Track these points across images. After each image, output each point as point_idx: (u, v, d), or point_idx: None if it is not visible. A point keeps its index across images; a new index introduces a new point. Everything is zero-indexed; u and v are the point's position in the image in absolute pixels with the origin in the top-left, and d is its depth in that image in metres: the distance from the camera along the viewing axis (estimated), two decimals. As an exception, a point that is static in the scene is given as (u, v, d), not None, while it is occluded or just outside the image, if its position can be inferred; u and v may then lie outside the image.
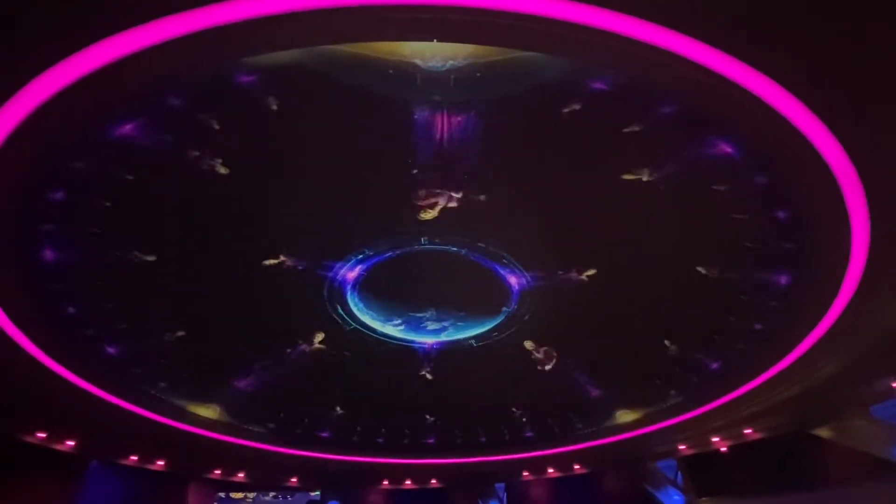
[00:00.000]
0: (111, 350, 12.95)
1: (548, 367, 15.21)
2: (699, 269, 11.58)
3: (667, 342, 14.22)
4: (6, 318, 10.53)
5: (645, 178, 9.68)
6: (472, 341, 15.10)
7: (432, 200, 10.51)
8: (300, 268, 11.95)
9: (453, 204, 10.57)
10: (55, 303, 10.91)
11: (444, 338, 15.13)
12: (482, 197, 10.47)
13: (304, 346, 14.62)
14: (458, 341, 15.18)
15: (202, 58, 6.83)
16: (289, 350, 14.63)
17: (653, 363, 15.20)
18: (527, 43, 6.99)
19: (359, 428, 19.59)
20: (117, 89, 7.03)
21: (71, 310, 11.25)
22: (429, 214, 10.64)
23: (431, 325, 14.62)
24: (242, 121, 8.58)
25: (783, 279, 11.16)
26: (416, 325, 14.68)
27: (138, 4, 5.83)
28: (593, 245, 11.77)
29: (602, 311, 13.57)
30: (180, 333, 13.04)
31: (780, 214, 9.72)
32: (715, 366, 14.65)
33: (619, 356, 15.30)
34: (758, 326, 12.75)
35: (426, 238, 11.74)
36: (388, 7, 6.15)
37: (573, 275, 12.48)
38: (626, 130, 8.73)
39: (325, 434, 19.53)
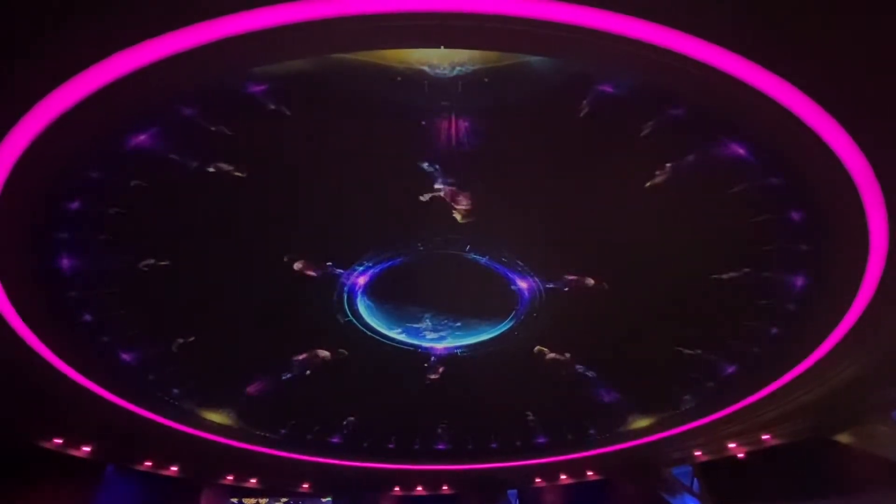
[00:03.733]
0: (126, 357, 13.13)
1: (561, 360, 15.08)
2: (714, 272, 11.42)
3: (681, 346, 14.03)
4: (24, 325, 10.75)
5: (658, 181, 9.58)
6: (459, 350, 15.02)
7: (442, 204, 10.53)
8: (311, 273, 12.03)
9: (463, 208, 10.57)
10: (72, 310, 11.10)
11: (450, 344, 15.09)
12: (491, 202, 10.47)
13: (313, 352, 14.71)
14: (466, 347, 15.14)
15: (215, 68, 6.94)
16: (299, 356, 14.71)
17: (667, 367, 14.99)
18: (534, 48, 6.98)
19: (370, 434, 19.59)
20: (133, 100, 7.18)
21: (87, 317, 11.44)
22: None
23: (430, 335, 14.61)
24: (254, 129, 8.69)
25: (800, 282, 10.95)
26: (416, 334, 14.67)
27: (151, 17, 5.95)
28: (605, 249, 11.64)
29: (615, 315, 13.41)
30: (192, 340, 13.19)
31: (796, 216, 9.55)
32: (731, 370, 14.40)
33: (632, 360, 15.11)
34: (774, 330, 12.52)
35: (432, 244, 11.74)
36: (396, 15, 6.20)
37: (585, 279, 12.39)
38: (637, 133, 8.66)
39: (336, 440, 19.56)
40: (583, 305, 13.10)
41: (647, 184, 9.62)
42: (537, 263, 12.32)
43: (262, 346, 14.35)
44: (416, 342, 14.94)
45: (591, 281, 12.35)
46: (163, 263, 10.85)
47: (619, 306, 13.03)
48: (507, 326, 14.33)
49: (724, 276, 11.41)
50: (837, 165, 7.85)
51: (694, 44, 6.40)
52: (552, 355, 15.01)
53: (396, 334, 14.54)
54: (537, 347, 14.88)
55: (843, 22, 5.88)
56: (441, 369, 15.75)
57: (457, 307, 14.10)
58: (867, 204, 8.38)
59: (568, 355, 15.00)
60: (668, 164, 9.34)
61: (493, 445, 20.70)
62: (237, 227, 10.77)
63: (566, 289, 12.66)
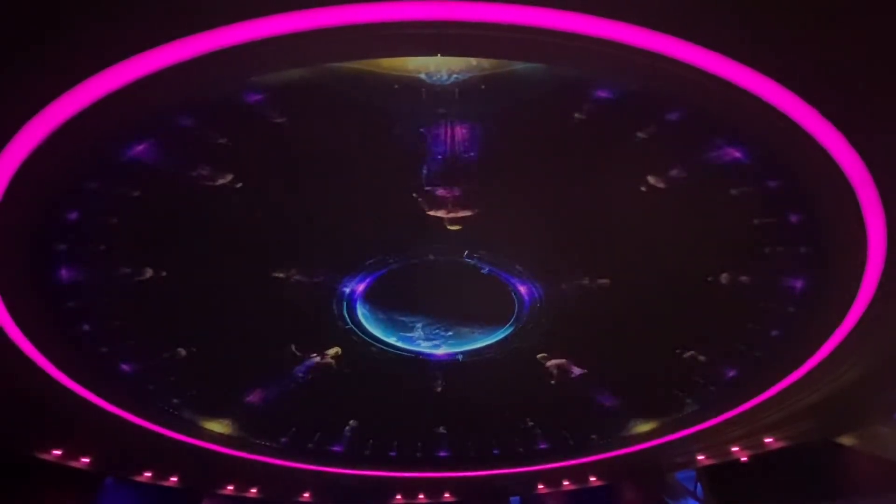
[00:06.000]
0: (125, 367, 13.07)
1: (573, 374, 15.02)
2: (714, 274, 11.40)
3: (682, 350, 13.99)
4: (22, 336, 10.70)
5: (656, 185, 9.60)
6: (458, 356, 14.96)
7: (440, 211, 10.54)
8: (309, 281, 12.02)
9: (462, 214, 10.58)
10: (70, 321, 11.07)
11: (448, 350, 15.03)
12: (490, 207, 10.48)
13: (314, 359, 14.65)
14: (465, 353, 15.09)
15: (212, 78, 6.97)
16: (299, 363, 14.65)
17: (669, 371, 14.94)
18: (530, 55, 7.03)
19: (371, 442, 19.47)
20: (130, 111, 7.20)
21: (85, 327, 11.40)
22: (454, 226, 10.66)
23: (424, 343, 14.55)
24: (252, 139, 8.72)
25: (800, 284, 10.94)
26: (411, 342, 14.63)
27: (149, 28, 5.99)
28: (605, 253, 11.65)
29: (615, 319, 13.39)
30: (192, 349, 13.16)
31: (794, 218, 9.57)
32: (733, 373, 14.34)
33: (634, 365, 15.05)
34: (775, 333, 12.48)
35: (431, 250, 11.74)
36: (392, 24, 6.24)
37: (585, 284, 12.36)
38: (634, 138, 8.70)
39: (337, 448, 19.44)
40: (583, 310, 13.08)
41: (645, 187, 9.63)
42: (535, 268, 12.32)
43: (262, 354, 14.29)
44: (414, 349, 14.89)
45: (590, 284, 12.32)
46: (162, 274, 10.82)
47: (620, 310, 13.01)
48: (506, 333, 14.30)
49: (725, 279, 11.40)
50: (834, 168, 7.87)
51: (689, 49, 6.44)
52: (553, 362, 14.93)
53: (394, 341, 14.51)
54: (540, 355, 14.80)
55: (839, 23, 5.90)
56: (441, 379, 15.67)
57: (452, 315, 14.07)
58: (864, 206, 8.40)
59: (569, 360, 14.95)
60: (667, 168, 9.37)
61: (496, 452, 20.57)
62: (236, 236, 10.76)
63: (565, 292, 12.63)
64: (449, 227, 10.72)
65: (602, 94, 7.92)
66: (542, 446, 20.11)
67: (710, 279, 11.46)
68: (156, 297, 11.41)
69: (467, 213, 10.49)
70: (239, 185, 9.43)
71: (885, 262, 9.35)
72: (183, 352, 13.12)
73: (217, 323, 12.87)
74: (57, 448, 16.59)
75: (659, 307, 12.78)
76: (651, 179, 9.57)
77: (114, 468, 19.71)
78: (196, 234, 10.54)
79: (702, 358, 14.05)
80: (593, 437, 19.30)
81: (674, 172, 9.39)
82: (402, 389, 16.51)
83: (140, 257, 10.59)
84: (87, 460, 17.69)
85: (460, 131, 8.79)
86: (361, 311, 13.51)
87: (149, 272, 10.73)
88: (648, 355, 14.47)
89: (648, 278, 11.99)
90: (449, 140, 8.91)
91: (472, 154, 9.21)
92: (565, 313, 13.34)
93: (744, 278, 11.29)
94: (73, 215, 8.99)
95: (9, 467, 16.71)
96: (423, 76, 7.71)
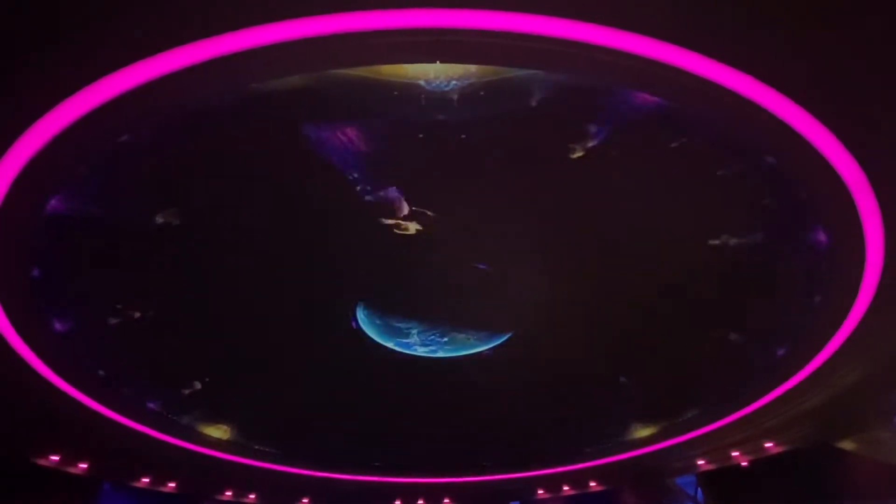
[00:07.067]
0: (126, 385, 13.17)
1: None
2: (713, 276, 11.39)
3: (683, 352, 13.97)
4: (21, 342, 10.67)
5: (650, 180, 9.60)
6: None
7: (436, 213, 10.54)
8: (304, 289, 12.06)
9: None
10: (70, 344, 11.21)
11: (447, 353, 15.01)
12: (488, 209, 10.50)
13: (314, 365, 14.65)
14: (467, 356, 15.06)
15: (212, 87, 6.99)
16: (299, 370, 14.63)
17: (669, 374, 14.90)
18: (528, 62, 7.07)
19: (371, 446, 19.39)
20: (122, 124, 7.24)
21: (89, 362, 11.76)
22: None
23: (421, 349, 14.53)
24: (252, 144, 8.74)
25: (799, 287, 10.96)
26: (408, 347, 14.62)
27: (153, 33, 6.01)
28: (602, 252, 11.59)
29: (615, 320, 13.36)
30: (192, 357, 13.18)
31: (793, 223, 9.60)
32: (733, 376, 14.28)
33: (633, 367, 15.02)
34: (776, 335, 12.47)
35: (431, 256, 11.74)
36: (392, 31, 6.27)
37: (581, 283, 12.35)
38: (632, 137, 8.71)
39: (336, 453, 19.36)
40: (581, 311, 13.06)
41: (641, 182, 9.63)
42: (535, 268, 12.31)
43: (262, 361, 14.27)
44: (414, 353, 14.87)
45: (584, 283, 12.30)
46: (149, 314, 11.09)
47: (619, 311, 12.98)
48: (503, 337, 14.27)
49: (724, 281, 11.40)
50: (831, 172, 7.89)
51: (686, 55, 6.48)
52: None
53: (391, 347, 14.50)
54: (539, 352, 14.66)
55: (828, 24, 5.93)
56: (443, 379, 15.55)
57: (451, 320, 14.06)
58: (861, 209, 8.42)
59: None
60: (663, 171, 9.38)
61: (496, 457, 20.48)
62: (236, 245, 10.77)
63: (564, 293, 12.62)
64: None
65: (598, 96, 7.97)
66: (543, 450, 20.01)
67: (709, 280, 11.43)
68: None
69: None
70: (238, 191, 9.46)
71: (883, 265, 9.38)
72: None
73: (217, 336, 12.92)
74: (55, 453, 16.53)
75: (658, 307, 12.68)
76: (641, 174, 9.55)
77: (112, 473, 19.63)
78: (191, 248, 10.52)
79: (702, 359, 13.98)
80: (594, 440, 19.17)
81: (666, 168, 9.37)
82: (403, 394, 16.45)
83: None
84: (84, 465, 17.63)
85: (460, 136, 8.78)
86: (363, 316, 13.52)
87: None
88: (649, 357, 14.40)
89: (649, 279, 11.95)
90: (447, 144, 8.93)
91: (470, 157, 9.24)
92: (563, 315, 13.30)
93: (743, 281, 11.24)
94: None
95: (7, 472, 16.63)
96: (422, 83, 7.75)
